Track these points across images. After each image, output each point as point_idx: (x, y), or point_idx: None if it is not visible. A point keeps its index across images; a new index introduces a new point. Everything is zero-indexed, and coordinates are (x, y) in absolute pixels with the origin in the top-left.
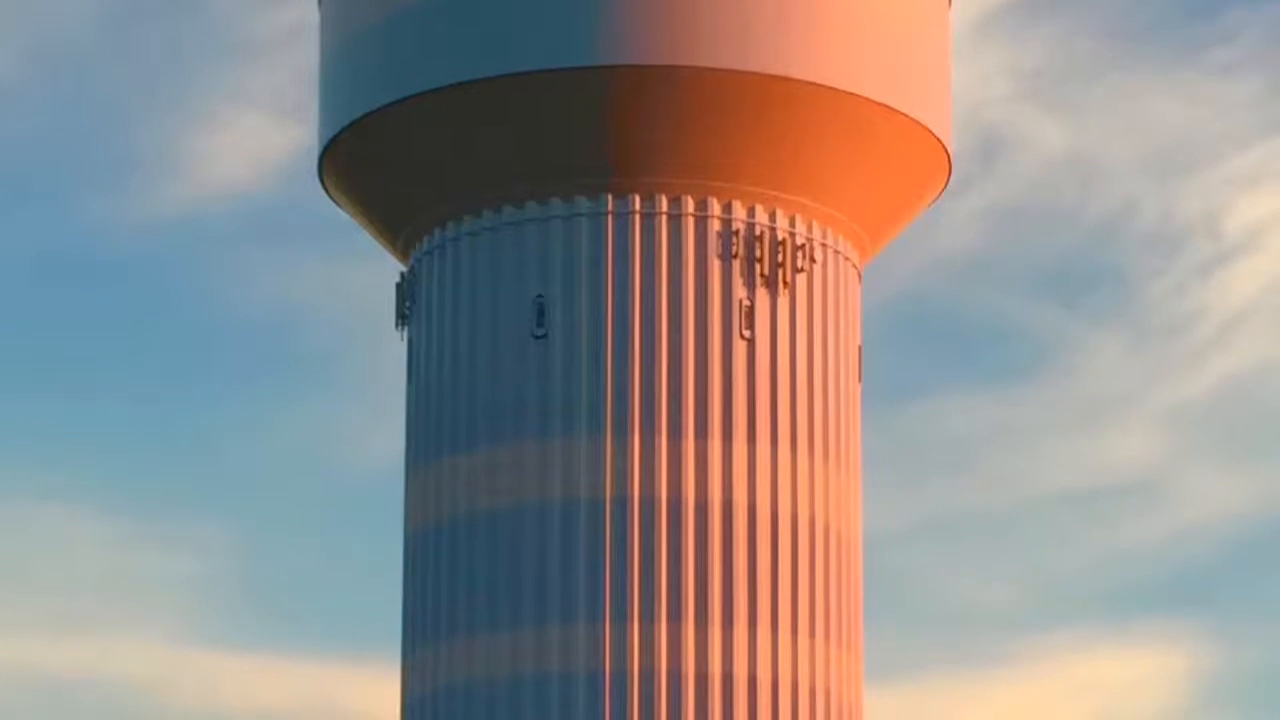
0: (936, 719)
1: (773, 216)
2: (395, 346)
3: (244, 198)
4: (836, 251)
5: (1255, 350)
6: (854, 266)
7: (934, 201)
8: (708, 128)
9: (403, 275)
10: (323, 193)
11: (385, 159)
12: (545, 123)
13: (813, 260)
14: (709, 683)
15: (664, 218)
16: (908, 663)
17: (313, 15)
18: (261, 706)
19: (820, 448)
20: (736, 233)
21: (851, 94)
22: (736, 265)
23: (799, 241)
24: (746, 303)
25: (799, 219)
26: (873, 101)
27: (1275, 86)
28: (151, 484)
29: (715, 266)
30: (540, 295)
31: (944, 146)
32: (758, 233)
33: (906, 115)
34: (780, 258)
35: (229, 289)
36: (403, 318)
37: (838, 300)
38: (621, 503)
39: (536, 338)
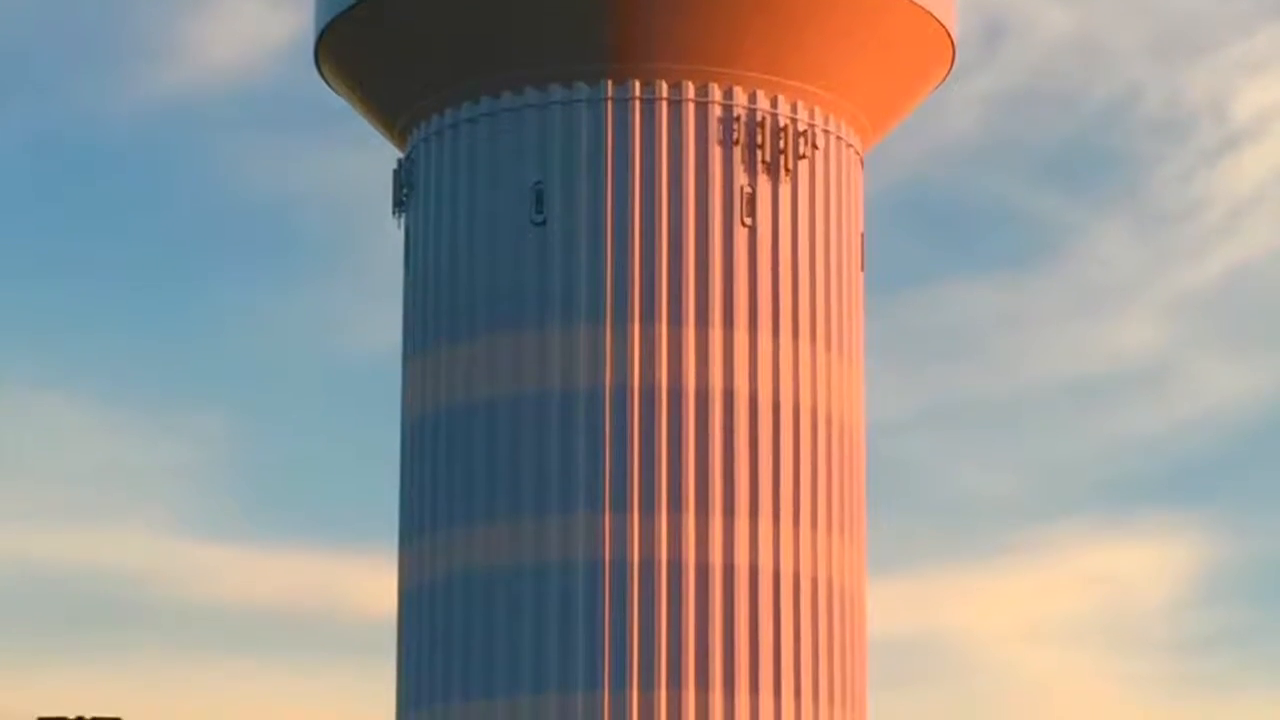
0: (939, 609)
1: (774, 102)
2: (392, 233)
3: (241, 84)
4: (839, 138)
5: (1262, 238)
6: (856, 153)
7: (937, 87)
8: (708, 12)
9: (400, 162)
10: (319, 79)
11: (383, 44)
12: (544, 7)
13: (814, 146)
14: (709, 573)
15: (664, 104)
16: (910, 553)
17: None
18: (258, 596)
19: (822, 336)
20: (738, 119)
21: None
22: (738, 152)
23: (801, 127)
24: (748, 190)
25: (801, 105)
26: None
27: None
28: (147, 373)
29: (716, 153)
30: (539, 182)
31: (947, 31)
32: (759, 119)
33: None
34: (782, 144)
35: (226, 175)
36: (400, 205)
37: (840, 187)
38: (621, 392)
39: (535, 225)
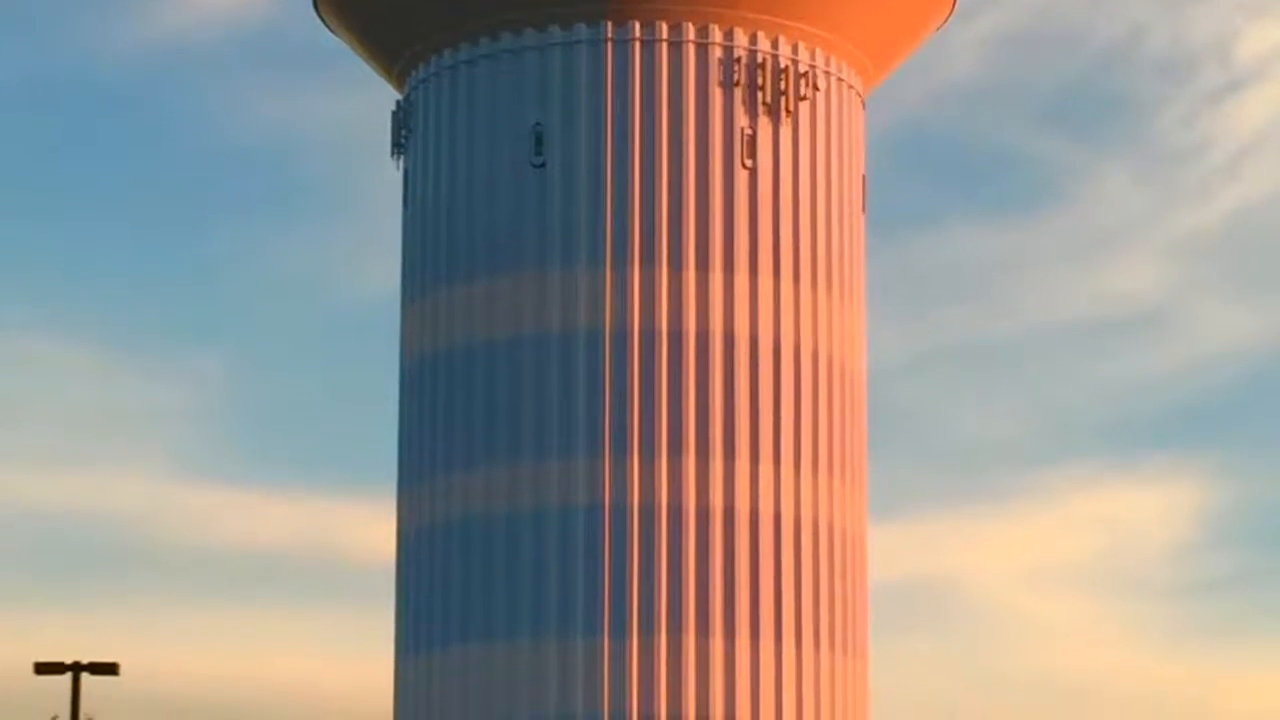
0: (940, 553)
1: (775, 43)
2: (391, 175)
3: (239, 26)
4: (840, 79)
5: (1265, 180)
6: (858, 95)
7: (939, 28)
8: None
9: (399, 104)
10: (318, 20)
11: None
12: None
13: (815, 88)
14: (709, 517)
15: (664, 45)
16: (912, 497)
17: None
18: (257, 541)
19: (823, 279)
20: (738, 60)
21: None
22: (738, 93)
23: (801, 69)
24: (748, 132)
25: (802, 46)
26: None
27: None
28: (145, 316)
29: (716, 95)
30: (538, 123)
31: None
32: (760, 60)
33: None
34: (782, 85)
35: (223, 117)
36: (399, 147)
37: (841, 129)
38: (621, 335)
39: (535, 167)
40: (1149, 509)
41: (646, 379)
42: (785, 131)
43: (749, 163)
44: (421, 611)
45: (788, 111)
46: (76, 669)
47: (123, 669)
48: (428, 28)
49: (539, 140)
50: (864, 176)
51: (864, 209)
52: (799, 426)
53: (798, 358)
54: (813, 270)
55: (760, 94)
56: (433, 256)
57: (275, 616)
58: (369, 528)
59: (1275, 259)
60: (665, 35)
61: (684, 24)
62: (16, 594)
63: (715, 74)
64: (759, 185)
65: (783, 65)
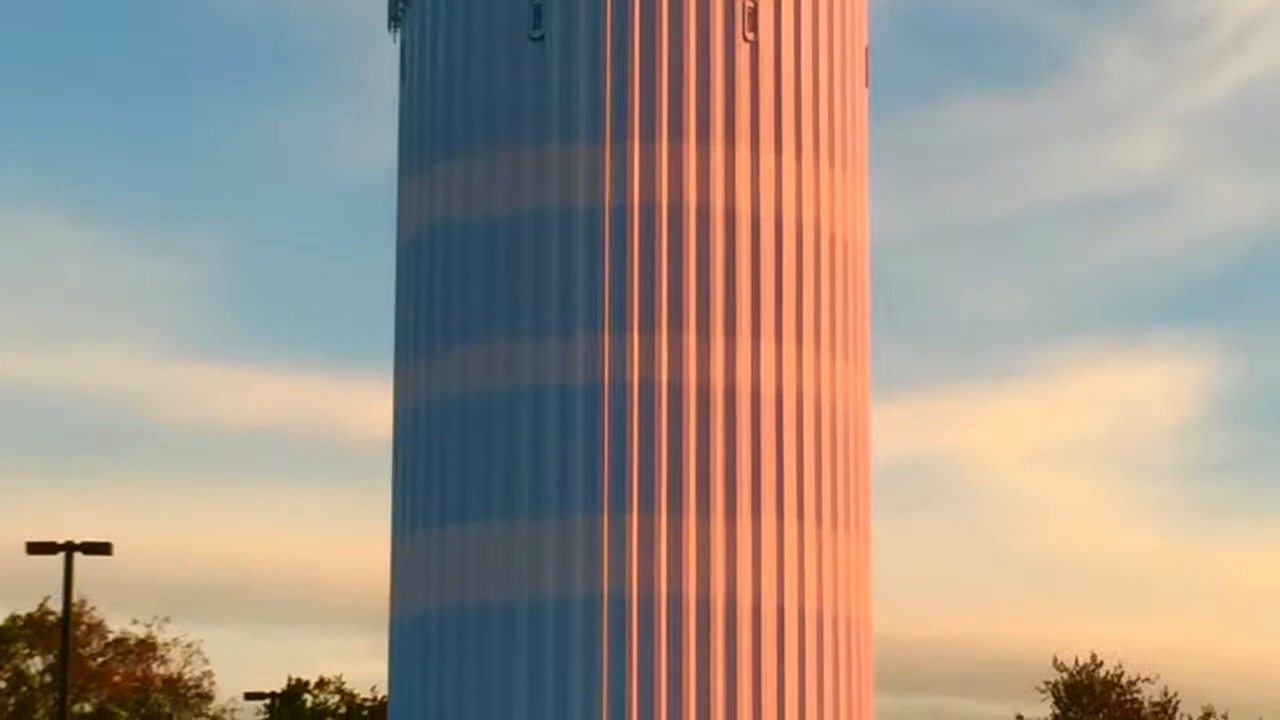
0: (944, 431)
1: None
2: (390, 49)
3: None
4: None
5: (1272, 55)
6: None
7: None
8: None
9: None
10: None
11: None
12: None
13: None
14: (710, 394)
15: None
16: (915, 374)
17: None
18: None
19: (825, 154)
20: None
21: None
22: None
23: None
24: (749, 4)
25: None
26: None
27: None
28: (141, 191)
29: None
30: None
31: None
32: None
33: None
34: None
35: None
36: (396, 19)
37: (844, 1)
38: (621, 211)
39: (533, 39)
40: (1154, 387)
41: (647, 255)
42: (787, 3)
43: (750, 35)
44: (419, 490)
45: None
46: (69, 549)
47: (116, 549)
48: None
49: (537, 13)
50: (867, 49)
51: (867, 83)
52: (801, 303)
53: (799, 233)
54: (815, 144)
55: None
56: (429, 132)
57: (271, 495)
58: (367, 405)
59: None
60: None
61: None
62: (9, 473)
63: None
64: (760, 59)
65: None
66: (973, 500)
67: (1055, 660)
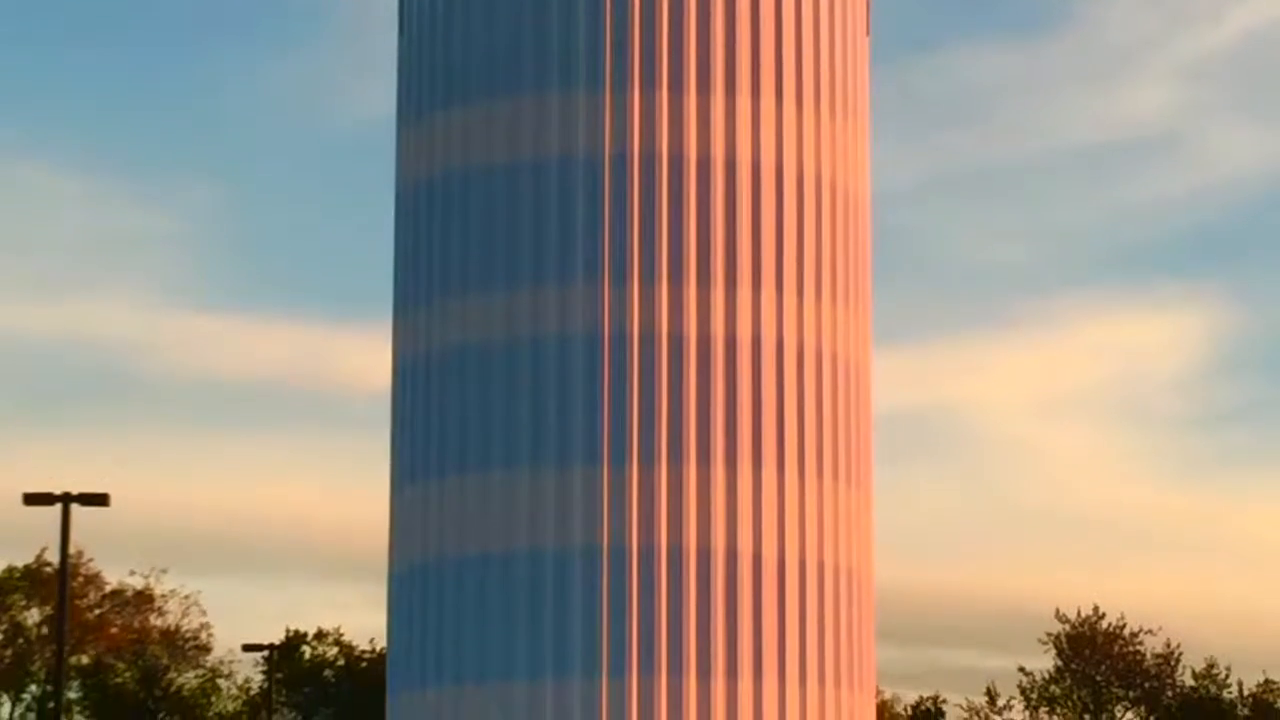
0: (945, 381)
1: None
2: None
3: None
4: None
5: (1277, 2)
6: None
7: None
8: None
9: None
10: None
11: None
12: None
13: None
14: (711, 345)
15: None
16: (916, 324)
17: None
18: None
19: (826, 101)
20: None
21: None
22: None
23: None
24: None
25: None
26: None
27: None
28: (138, 139)
29: None
30: None
31: None
32: None
33: None
34: None
35: None
36: None
37: None
38: (621, 160)
39: None
40: (1158, 336)
41: (646, 205)
42: None
43: None
44: (418, 441)
45: None
46: (66, 500)
47: (113, 500)
48: None
49: None
50: None
51: (868, 31)
52: (801, 252)
53: (800, 182)
54: (816, 93)
55: None
56: (428, 79)
57: (270, 446)
58: (366, 355)
59: None
60: None
61: None
62: (5, 423)
63: None
64: (761, 5)
65: None
66: (974, 450)
67: (1057, 612)
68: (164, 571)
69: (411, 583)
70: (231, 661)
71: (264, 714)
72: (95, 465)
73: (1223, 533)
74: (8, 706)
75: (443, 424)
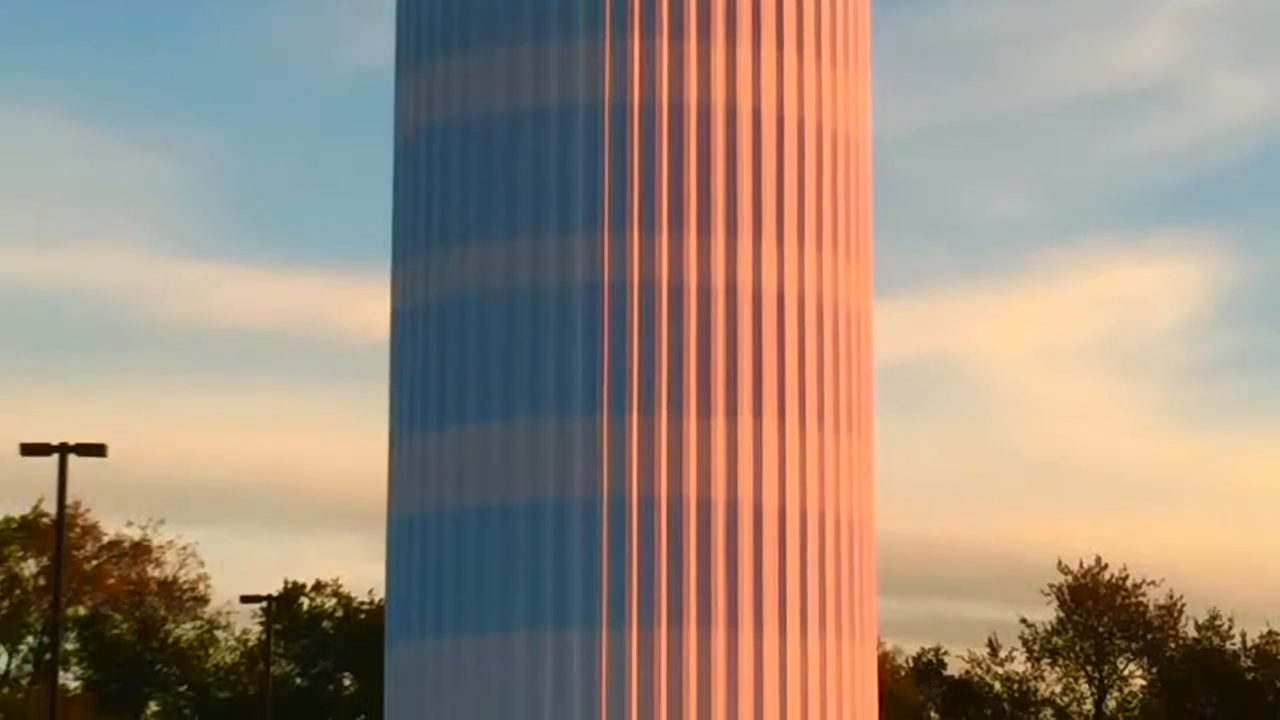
0: (946, 332)
1: None
2: None
3: None
4: None
5: None
6: None
7: None
8: None
9: None
10: None
11: None
12: None
13: None
14: (711, 294)
15: None
16: (917, 274)
17: None
18: (248, 318)
19: (827, 50)
20: None
21: None
22: None
23: None
24: None
25: None
26: None
27: None
28: (131, 87)
29: None
30: None
31: None
32: None
33: None
34: None
35: None
36: None
37: None
38: (621, 108)
39: None
40: (1158, 286)
41: (646, 152)
42: None
43: None
44: (416, 392)
45: None
46: (63, 450)
47: (111, 451)
48: None
49: None
50: None
51: None
52: (802, 201)
53: (801, 131)
54: (816, 40)
55: None
56: (427, 27)
57: (269, 396)
58: (365, 305)
59: None
60: None
61: None
62: (2, 373)
63: None
64: None
65: None
66: (974, 401)
67: (1059, 563)
68: (162, 522)
69: (410, 534)
70: (229, 613)
71: (262, 665)
72: (93, 415)
73: (1225, 482)
74: (4, 657)
75: (441, 374)
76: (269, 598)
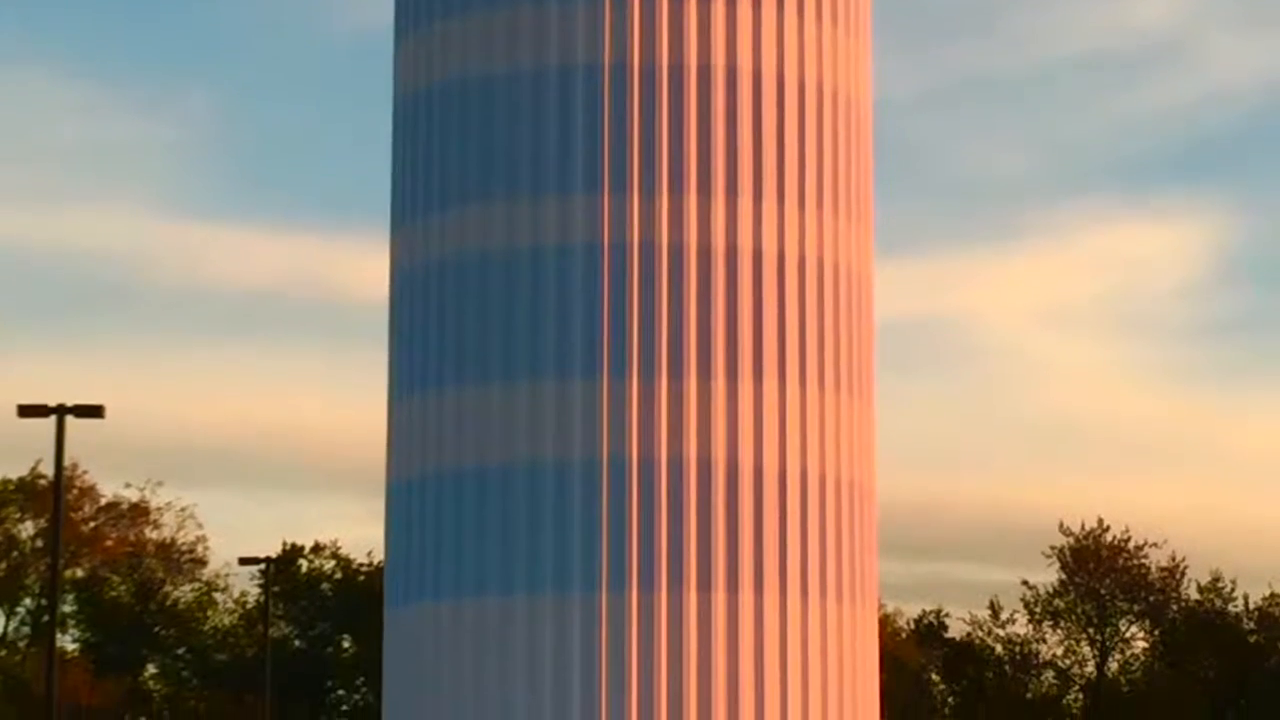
0: (946, 292)
1: None
2: None
3: None
4: None
5: None
6: None
7: None
8: None
9: None
10: None
11: None
12: None
13: None
14: (712, 256)
15: None
16: (918, 235)
17: None
18: (246, 279)
19: (828, 10)
20: None
21: None
22: None
23: None
24: None
25: None
26: None
27: None
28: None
29: None
30: None
31: None
32: None
33: None
34: None
35: None
36: None
37: None
38: (620, 70)
39: None
40: (1161, 246)
41: (646, 113)
42: None
43: None
44: (416, 353)
45: None
46: (61, 411)
47: (108, 412)
48: None
49: None
50: None
51: None
52: (803, 162)
53: (801, 91)
54: (817, 1)
55: None
56: None
57: (267, 358)
58: (364, 267)
59: None
60: None
61: None
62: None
63: None
64: None
65: None
66: (976, 362)
67: (1061, 525)
68: (160, 484)
69: (410, 495)
70: (228, 575)
71: (260, 627)
72: (91, 376)
73: (1227, 444)
74: (2, 620)
75: (441, 336)
76: (267, 560)
